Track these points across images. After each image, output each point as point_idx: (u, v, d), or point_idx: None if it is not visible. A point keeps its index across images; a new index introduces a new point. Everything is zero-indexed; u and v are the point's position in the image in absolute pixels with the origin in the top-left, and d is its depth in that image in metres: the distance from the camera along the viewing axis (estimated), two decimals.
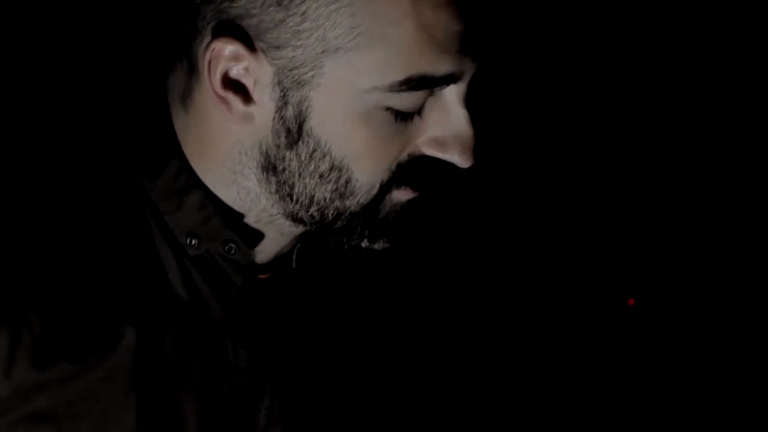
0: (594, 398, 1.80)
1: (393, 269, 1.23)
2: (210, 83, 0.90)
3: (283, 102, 0.90)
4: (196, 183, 0.98)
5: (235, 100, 0.91)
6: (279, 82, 0.89)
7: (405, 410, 1.33)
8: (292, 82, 0.89)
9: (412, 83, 0.87)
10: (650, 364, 1.82)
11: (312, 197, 0.94)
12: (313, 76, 0.88)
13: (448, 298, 1.30)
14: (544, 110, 1.75)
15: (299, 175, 0.93)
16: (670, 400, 1.83)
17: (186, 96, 0.96)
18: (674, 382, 1.84)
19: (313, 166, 0.92)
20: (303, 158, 0.92)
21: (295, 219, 0.98)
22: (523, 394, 1.72)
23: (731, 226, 1.86)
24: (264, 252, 1.04)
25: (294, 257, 1.08)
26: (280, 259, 1.07)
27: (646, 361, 1.82)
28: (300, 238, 1.07)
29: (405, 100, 0.89)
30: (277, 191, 0.95)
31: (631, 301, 1.32)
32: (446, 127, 0.93)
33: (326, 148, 0.91)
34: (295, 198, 0.95)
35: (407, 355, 1.26)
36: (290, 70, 0.88)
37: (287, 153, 0.92)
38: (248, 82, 0.90)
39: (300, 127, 0.90)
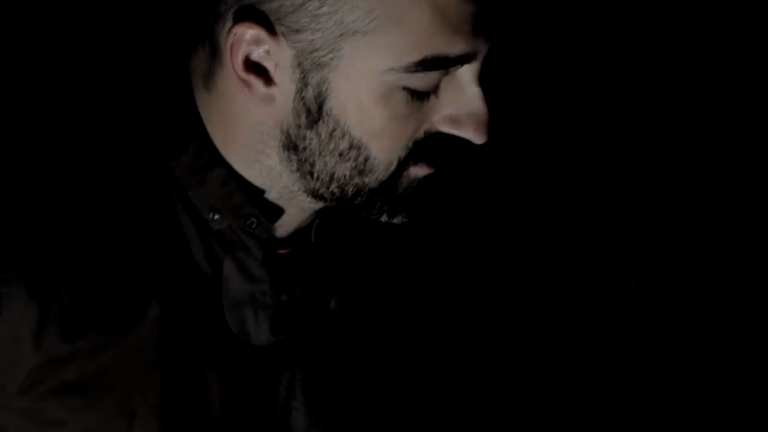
0: (598, 381, 1.82)
1: (410, 244, 1.25)
2: (232, 66, 0.93)
3: (303, 83, 0.93)
4: (218, 160, 1.01)
5: (257, 83, 0.94)
6: (299, 65, 0.92)
7: (425, 383, 1.35)
8: (311, 65, 0.91)
9: (427, 64, 0.90)
10: (653, 348, 1.83)
11: (332, 174, 0.97)
12: (331, 59, 0.91)
13: (458, 272, 1.32)
14: (550, 93, 1.76)
15: (319, 154, 0.96)
16: (673, 384, 1.85)
17: (208, 78, 0.99)
18: (678, 366, 1.85)
19: (332, 145, 0.95)
20: (323, 137, 0.95)
21: (315, 195, 1.01)
22: (526, 378, 1.74)
23: (733, 210, 1.87)
24: (284, 227, 1.07)
25: (313, 232, 1.11)
26: (300, 234, 1.10)
27: (649, 345, 1.83)
28: (319, 214, 1.10)
29: (421, 80, 0.92)
30: (298, 169, 0.99)
31: (633, 284, 1.34)
32: (461, 105, 0.95)
33: (345, 128, 0.94)
34: (315, 175, 0.98)
35: (426, 330, 1.29)
36: (309, 53, 0.91)
37: (308, 132, 0.95)
38: (269, 65, 0.93)
39: (320, 108, 0.93)
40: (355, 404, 1.19)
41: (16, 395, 0.95)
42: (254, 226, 1.03)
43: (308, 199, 1.03)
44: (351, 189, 0.98)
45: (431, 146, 0.98)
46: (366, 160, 0.95)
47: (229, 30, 0.92)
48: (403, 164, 0.97)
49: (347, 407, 1.18)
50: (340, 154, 0.95)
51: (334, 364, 1.16)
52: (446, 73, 0.94)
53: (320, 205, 1.05)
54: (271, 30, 0.91)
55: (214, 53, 0.97)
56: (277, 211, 1.05)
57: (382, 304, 1.20)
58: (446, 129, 0.97)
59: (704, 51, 1.82)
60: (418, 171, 0.99)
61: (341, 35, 0.89)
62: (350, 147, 0.95)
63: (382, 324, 1.22)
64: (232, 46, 0.92)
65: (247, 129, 0.99)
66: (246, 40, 0.92)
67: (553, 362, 1.77)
